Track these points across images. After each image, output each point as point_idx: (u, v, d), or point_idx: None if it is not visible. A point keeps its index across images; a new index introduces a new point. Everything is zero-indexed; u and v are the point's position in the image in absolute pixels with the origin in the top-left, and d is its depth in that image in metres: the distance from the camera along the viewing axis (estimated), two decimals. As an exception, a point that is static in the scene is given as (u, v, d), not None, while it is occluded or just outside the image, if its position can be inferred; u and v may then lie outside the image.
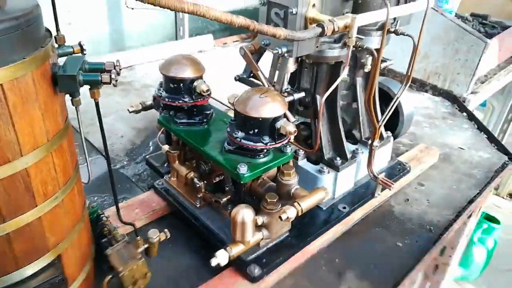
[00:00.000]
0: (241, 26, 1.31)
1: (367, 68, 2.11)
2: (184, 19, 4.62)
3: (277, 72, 1.94)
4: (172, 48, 4.21)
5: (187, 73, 1.98)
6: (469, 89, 3.62)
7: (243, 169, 1.71)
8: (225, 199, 1.95)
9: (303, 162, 2.16)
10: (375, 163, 2.30)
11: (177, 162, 2.14)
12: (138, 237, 1.65)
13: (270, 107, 1.67)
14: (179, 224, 2.10)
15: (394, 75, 4.12)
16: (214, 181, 2.05)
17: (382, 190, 2.23)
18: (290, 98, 1.91)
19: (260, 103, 1.68)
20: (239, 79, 2.11)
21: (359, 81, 2.27)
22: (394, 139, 2.64)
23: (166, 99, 2.02)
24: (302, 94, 1.96)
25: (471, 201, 2.36)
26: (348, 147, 2.29)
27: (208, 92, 1.99)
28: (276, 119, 1.68)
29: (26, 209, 1.23)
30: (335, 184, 2.13)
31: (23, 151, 1.17)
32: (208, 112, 2.09)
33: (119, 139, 2.83)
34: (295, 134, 1.70)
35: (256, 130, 1.71)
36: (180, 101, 2.01)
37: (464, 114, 3.47)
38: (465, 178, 2.62)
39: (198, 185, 2.02)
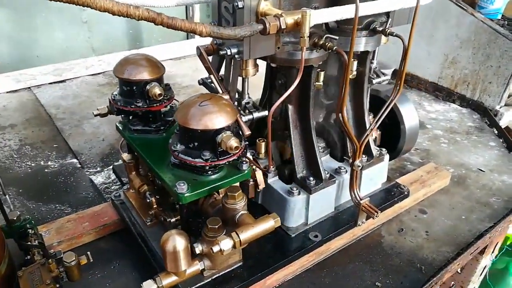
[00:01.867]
0: (143, 19, 1.07)
1: (352, 74, 1.81)
2: (195, 15, 4.50)
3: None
4: (185, 45, 4.10)
5: (141, 74, 1.77)
6: (502, 101, 3.14)
7: (181, 188, 1.47)
8: (174, 219, 1.71)
9: (273, 180, 1.88)
10: (361, 184, 1.98)
11: (133, 173, 1.94)
12: (50, 260, 1.46)
13: (211, 117, 1.42)
14: (131, 241, 1.89)
15: (418, 82, 3.71)
16: (171, 198, 1.83)
17: (368, 218, 1.90)
18: (248, 117, 1.64)
19: (199, 113, 1.43)
20: (202, 83, 1.87)
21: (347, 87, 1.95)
22: (395, 156, 2.29)
23: (119, 103, 1.83)
24: (264, 113, 1.68)
25: (480, 236, 1.97)
26: (331, 165, 1.98)
27: (161, 97, 1.77)
28: (217, 132, 1.42)
29: None
30: (307, 208, 1.83)
31: None
32: (169, 119, 1.87)
33: (99, 143, 2.69)
34: (240, 150, 1.44)
35: (196, 144, 1.47)
36: (133, 106, 1.80)
37: (494, 130, 3.01)
38: (478, 207, 2.21)
39: (149, 200, 1.80)
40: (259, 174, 1.80)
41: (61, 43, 4.33)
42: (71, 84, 3.38)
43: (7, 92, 3.17)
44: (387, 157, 2.09)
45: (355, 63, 1.82)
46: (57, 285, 1.43)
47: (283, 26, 1.28)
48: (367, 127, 1.95)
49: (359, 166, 1.81)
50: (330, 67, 1.95)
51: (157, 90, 1.75)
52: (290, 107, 1.79)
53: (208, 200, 1.65)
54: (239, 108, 1.71)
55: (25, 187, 2.28)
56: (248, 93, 1.70)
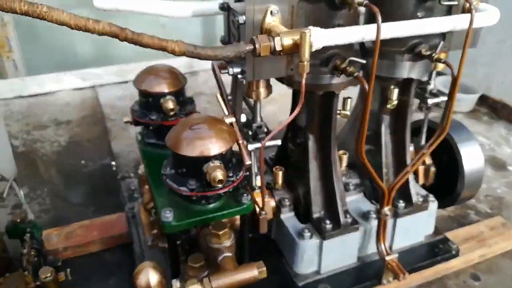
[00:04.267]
0: (104, 34, 0.95)
1: (391, 104, 1.52)
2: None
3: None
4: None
5: (158, 87, 1.68)
6: None
7: (167, 215, 1.33)
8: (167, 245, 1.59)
9: (287, 216, 1.66)
10: (394, 235, 1.67)
11: (146, 187, 1.86)
12: (26, 272, 1.42)
13: (199, 143, 1.26)
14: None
15: (509, 112, 3.14)
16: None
17: (395, 277, 1.58)
18: (255, 145, 1.43)
19: (188, 136, 1.28)
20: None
21: (386, 120, 1.66)
22: (453, 202, 1.91)
23: (136, 114, 1.76)
24: (276, 142, 1.46)
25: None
26: (361, 206, 1.70)
27: (174, 112, 1.66)
28: (205, 160, 1.26)
29: None
30: (320, 255, 1.58)
31: None
32: (185, 135, 1.76)
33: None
34: (224, 184, 1.26)
35: (183, 170, 1.32)
36: (147, 119, 1.72)
37: None
38: (553, 283, 1.74)
39: (152, 219, 1.71)
40: (269, 206, 1.61)
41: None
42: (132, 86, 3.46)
43: (74, 89, 3.36)
44: (434, 205, 1.73)
45: (396, 91, 1.52)
46: (32, 300, 1.38)
47: (278, 48, 1.07)
48: (407, 164, 1.63)
49: (387, 215, 1.51)
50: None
51: (169, 105, 1.64)
52: (310, 136, 1.55)
53: (205, 229, 1.50)
54: (250, 133, 1.52)
55: (61, 184, 2.35)
56: (261, 117, 1.51)
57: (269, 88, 1.43)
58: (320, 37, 1.09)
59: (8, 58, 3.34)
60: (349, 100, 1.46)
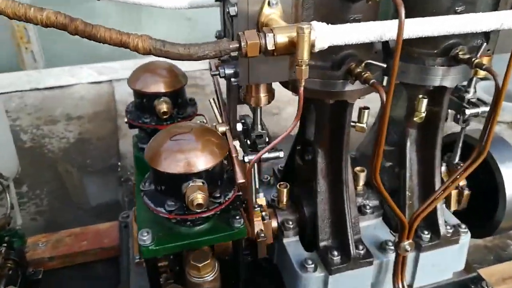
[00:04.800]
0: (49, 25, 0.77)
1: (419, 117, 1.28)
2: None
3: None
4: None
5: (153, 87, 1.51)
6: None
7: (143, 238, 1.15)
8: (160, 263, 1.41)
9: (290, 241, 1.44)
10: (416, 271, 1.42)
11: (139, 195, 1.70)
12: None
13: (179, 157, 1.07)
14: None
15: None
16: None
17: (414, 321, 1.33)
18: (249, 158, 1.21)
19: (167, 149, 1.09)
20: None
21: (412, 134, 1.41)
22: (491, 231, 1.63)
23: (129, 116, 1.60)
24: (277, 154, 1.24)
25: None
26: (379, 234, 1.46)
27: (167, 116, 1.48)
28: (184, 178, 1.07)
29: None
30: (325, 290, 1.35)
31: None
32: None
33: (148, 148, 2.54)
34: (208, 207, 1.06)
35: (163, 187, 1.13)
36: (140, 121, 1.55)
37: None
38: None
39: (141, 233, 1.54)
40: (268, 227, 1.40)
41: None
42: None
43: (90, 83, 3.26)
44: (466, 237, 1.46)
45: (424, 102, 1.27)
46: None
47: (269, 47, 0.85)
48: (436, 189, 1.36)
49: (406, 251, 1.26)
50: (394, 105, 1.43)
51: (163, 107, 1.47)
52: (319, 151, 1.32)
53: (191, 253, 1.31)
54: (248, 142, 1.32)
55: (62, 185, 2.23)
56: (262, 124, 1.30)
57: (270, 93, 1.22)
58: (324, 35, 0.87)
59: (26, 50, 3.29)
60: (366, 111, 1.22)
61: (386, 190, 1.49)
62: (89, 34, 0.78)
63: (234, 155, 1.20)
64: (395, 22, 0.89)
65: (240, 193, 1.23)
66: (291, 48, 0.86)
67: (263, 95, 1.20)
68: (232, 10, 0.98)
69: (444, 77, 1.21)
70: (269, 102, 1.23)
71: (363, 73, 1.04)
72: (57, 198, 2.14)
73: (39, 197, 2.15)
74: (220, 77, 1.11)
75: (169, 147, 1.09)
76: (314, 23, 0.88)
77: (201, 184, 1.06)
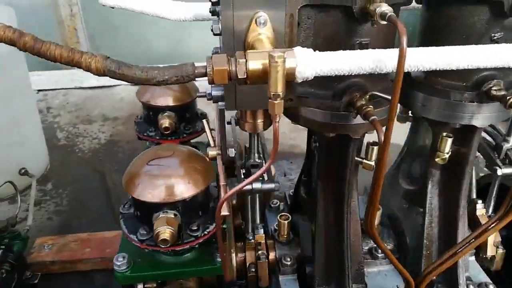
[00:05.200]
0: (-5, 39, 0.71)
1: (441, 158, 1.10)
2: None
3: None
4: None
5: (158, 100, 1.46)
6: None
7: (118, 263, 1.09)
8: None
9: (286, 279, 1.30)
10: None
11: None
12: None
13: (151, 184, 0.98)
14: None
15: None
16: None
17: None
18: (238, 187, 1.09)
19: (142, 173, 1.01)
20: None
21: (435, 175, 1.21)
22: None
23: (136, 128, 1.55)
24: (271, 185, 1.12)
25: None
26: (389, 285, 1.28)
27: (169, 131, 1.41)
28: (155, 208, 0.98)
29: None
30: None
31: None
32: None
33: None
34: (181, 240, 0.96)
35: (138, 213, 1.06)
36: (145, 134, 1.50)
37: None
38: None
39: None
40: (263, 267, 1.28)
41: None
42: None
43: (132, 85, 3.31)
44: (494, 300, 1.24)
45: (449, 142, 1.08)
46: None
47: (240, 75, 0.73)
48: (458, 241, 1.16)
49: (413, 313, 1.08)
50: (415, 135, 1.26)
51: (165, 122, 1.41)
52: (320, 186, 1.18)
53: (172, 285, 1.22)
54: (242, 171, 1.21)
55: (84, 187, 2.25)
56: (258, 152, 1.18)
57: (268, 119, 1.10)
58: (308, 63, 0.74)
59: (75, 49, 3.41)
60: (375, 148, 1.06)
61: (405, 236, 1.34)
62: (38, 51, 0.71)
63: (221, 183, 1.09)
64: (394, 52, 0.74)
65: (225, 226, 1.13)
66: (267, 77, 0.74)
67: (259, 121, 1.08)
68: (216, 28, 0.88)
69: (474, 115, 1.02)
70: (266, 128, 1.11)
71: (364, 107, 0.89)
72: (77, 200, 2.15)
73: (60, 196, 2.18)
74: (207, 99, 1.01)
75: (145, 172, 1.01)
76: (297, 48, 0.76)
77: (172, 216, 0.97)
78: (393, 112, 0.78)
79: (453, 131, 1.09)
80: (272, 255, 1.34)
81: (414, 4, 1.03)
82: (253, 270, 1.27)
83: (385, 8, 0.77)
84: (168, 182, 0.98)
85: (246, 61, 0.74)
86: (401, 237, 1.36)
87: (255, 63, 0.74)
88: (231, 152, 1.15)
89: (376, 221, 1.32)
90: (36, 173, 2.21)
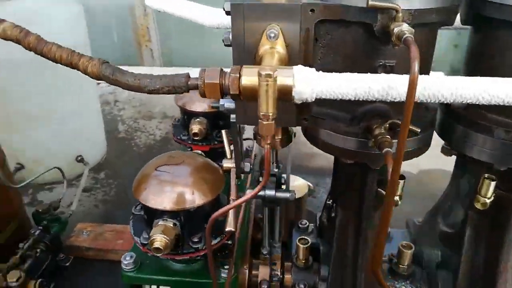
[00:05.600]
0: (4, 38, 0.75)
1: (481, 203, 0.97)
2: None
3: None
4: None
5: (193, 105, 1.46)
6: None
7: (125, 262, 1.11)
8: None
9: (297, 306, 1.23)
10: None
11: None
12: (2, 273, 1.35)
13: (155, 191, 0.98)
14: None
15: None
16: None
17: None
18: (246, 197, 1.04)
19: (148, 178, 1.01)
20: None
21: (474, 219, 1.06)
22: None
23: (173, 130, 1.58)
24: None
25: None
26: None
27: (199, 137, 1.40)
28: (158, 214, 0.97)
29: None
30: None
31: None
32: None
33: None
34: (160, 253, 0.94)
35: (145, 216, 1.06)
36: (178, 138, 1.52)
37: None
38: None
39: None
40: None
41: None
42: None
43: (195, 86, 3.40)
44: None
45: (492, 186, 0.93)
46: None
47: (232, 90, 0.69)
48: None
49: None
50: (458, 171, 1.12)
51: (195, 127, 1.41)
52: (340, 213, 1.09)
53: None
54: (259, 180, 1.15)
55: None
56: (277, 161, 1.13)
57: (286, 135, 1.04)
58: (307, 83, 0.68)
59: (146, 47, 3.60)
60: (401, 182, 0.95)
61: (438, 282, 1.19)
62: (41, 52, 0.74)
63: (232, 197, 1.06)
64: (405, 78, 0.65)
65: (230, 242, 1.09)
66: (251, 93, 0.69)
67: (277, 138, 1.03)
68: (227, 39, 0.85)
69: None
70: (283, 146, 1.05)
71: (380, 136, 0.80)
72: (124, 192, 2.25)
73: (110, 186, 2.30)
74: (219, 110, 0.98)
75: (152, 177, 1.01)
76: (297, 67, 0.70)
77: (171, 226, 0.95)
78: (401, 146, 0.68)
79: (497, 173, 0.94)
80: (287, 279, 1.29)
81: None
82: (265, 287, 1.22)
83: (405, 28, 0.68)
84: (172, 190, 0.97)
85: (239, 76, 0.69)
86: (433, 281, 1.22)
87: (249, 80, 0.69)
88: (247, 167, 1.11)
89: (408, 261, 1.20)
90: (91, 162, 2.37)
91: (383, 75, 0.70)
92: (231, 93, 0.70)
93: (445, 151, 1.20)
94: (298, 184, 1.63)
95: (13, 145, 2.16)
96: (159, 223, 0.95)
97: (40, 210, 1.64)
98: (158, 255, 0.93)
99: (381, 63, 0.82)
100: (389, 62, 0.82)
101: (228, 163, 1.10)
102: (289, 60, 0.82)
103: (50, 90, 2.10)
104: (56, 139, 2.22)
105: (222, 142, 1.47)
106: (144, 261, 1.15)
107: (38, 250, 1.55)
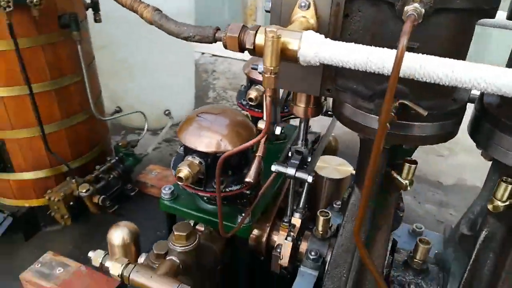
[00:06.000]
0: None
1: (494, 205, 0.96)
2: None
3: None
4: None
5: (256, 73, 1.58)
6: None
7: (164, 192, 1.31)
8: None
9: (305, 272, 1.31)
10: None
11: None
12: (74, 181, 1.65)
13: (190, 131, 1.14)
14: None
15: None
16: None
17: None
18: (277, 167, 1.14)
19: (189, 121, 1.17)
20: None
21: (490, 226, 1.02)
22: None
23: (236, 95, 1.73)
24: (304, 176, 1.13)
25: None
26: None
27: (253, 102, 1.53)
28: (189, 151, 1.13)
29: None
30: None
31: None
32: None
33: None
34: (181, 182, 1.09)
35: (183, 154, 1.23)
36: (239, 102, 1.67)
37: None
38: None
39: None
40: (287, 248, 1.32)
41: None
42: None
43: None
44: None
45: (509, 188, 0.90)
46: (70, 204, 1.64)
47: (248, 45, 0.80)
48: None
49: None
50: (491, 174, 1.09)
51: (252, 93, 1.54)
52: (354, 189, 1.13)
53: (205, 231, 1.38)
54: (289, 156, 1.23)
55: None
56: (305, 139, 1.20)
57: (314, 108, 1.11)
58: (310, 47, 0.76)
59: (251, 26, 3.79)
60: (411, 166, 0.98)
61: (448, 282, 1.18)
62: (112, -6, 0.92)
63: (258, 154, 1.17)
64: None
65: (248, 192, 1.21)
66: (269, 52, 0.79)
67: (301, 107, 1.11)
68: (267, 5, 0.95)
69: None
70: (313, 116, 1.13)
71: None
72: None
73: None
74: (259, 73, 1.09)
75: (192, 121, 1.16)
76: (307, 32, 0.78)
77: (196, 163, 1.10)
78: (385, 119, 0.73)
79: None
80: (303, 245, 1.37)
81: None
82: (278, 251, 1.32)
83: (414, 6, 0.71)
84: (205, 134, 1.12)
85: (256, 33, 0.80)
86: (446, 281, 1.20)
87: (262, 37, 0.79)
88: (277, 130, 1.20)
89: (422, 256, 1.20)
90: (176, 118, 2.65)
91: (384, 49, 0.74)
92: (247, 47, 0.81)
93: (484, 154, 1.15)
94: (343, 168, 1.66)
95: (115, 91, 2.54)
96: (188, 158, 1.11)
97: (120, 144, 1.94)
98: (180, 183, 1.09)
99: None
100: (412, 44, 0.85)
101: (262, 124, 1.21)
102: (318, 31, 0.90)
103: (149, 47, 2.40)
104: (149, 91, 2.54)
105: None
106: (181, 195, 1.33)
107: (111, 175, 1.84)
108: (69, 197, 1.64)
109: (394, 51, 0.72)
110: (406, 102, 0.86)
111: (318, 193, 1.76)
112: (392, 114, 0.84)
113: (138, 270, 1.10)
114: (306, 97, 1.10)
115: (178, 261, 1.16)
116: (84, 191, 1.64)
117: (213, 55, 3.71)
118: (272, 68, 0.76)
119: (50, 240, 1.77)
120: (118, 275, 1.10)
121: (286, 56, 0.78)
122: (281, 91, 1.31)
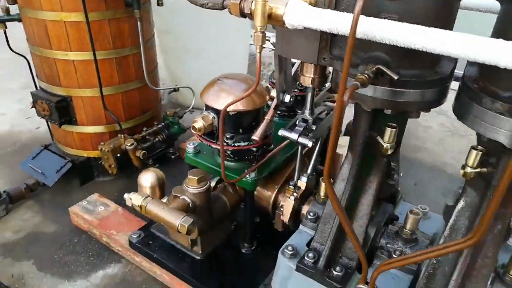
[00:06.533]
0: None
1: (465, 171, 1.05)
2: None
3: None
4: None
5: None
6: None
7: (189, 146, 1.53)
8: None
9: (303, 230, 1.43)
10: None
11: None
12: (123, 138, 1.92)
13: (210, 91, 1.33)
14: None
15: None
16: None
17: None
18: (285, 133, 1.30)
19: (211, 83, 1.37)
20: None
21: (469, 195, 1.08)
22: None
23: (270, 75, 1.90)
24: (307, 141, 1.28)
25: None
26: None
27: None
28: (207, 108, 1.32)
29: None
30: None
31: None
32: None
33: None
34: (195, 131, 1.28)
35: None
36: (271, 80, 1.83)
37: None
38: None
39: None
40: (289, 205, 1.46)
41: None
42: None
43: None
44: None
45: (474, 154, 0.97)
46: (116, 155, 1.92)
47: (246, 10, 0.96)
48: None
49: (359, 292, 1.08)
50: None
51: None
52: (348, 155, 1.25)
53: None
54: (296, 123, 1.36)
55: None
56: (311, 109, 1.34)
57: (320, 78, 1.25)
58: (292, 12, 0.91)
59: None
60: (392, 130, 1.08)
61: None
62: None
63: (266, 117, 1.33)
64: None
65: (255, 149, 1.37)
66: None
67: (307, 76, 1.24)
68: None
69: (500, 130, 0.90)
70: (317, 85, 1.26)
71: (360, 76, 0.96)
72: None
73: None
74: (271, 43, 1.25)
75: (213, 83, 1.35)
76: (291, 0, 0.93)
77: (210, 117, 1.29)
78: (344, 80, 0.85)
79: (482, 143, 0.97)
80: (305, 208, 1.50)
81: None
82: (282, 209, 1.47)
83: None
84: (220, 94, 1.30)
85: (253, 1, 0.96)
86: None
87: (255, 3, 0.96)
88: (286, 98, 1.34)
89: (411, 226, 1.29)
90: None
91: (348, 14, 0.87)
92: (245, 12, 0.98)
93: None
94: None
95: (175, 72, 2.83)
96: (204, 113, 1.30)
97: (167, 113, 2.20)
98: (194, 132, 1.29)
99: (383, 16, 0.96)
100: (392, 16, 0.96)
101: (274, 93, 1.36)
102: (315, 4, 1.04)
103: (207, 35, 2.65)
104: (204, 75, 2.78)
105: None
106: (203, 151, 1.53)
107: (156, 138, 2.10)
108: (117, 149, 1.92)
109: (362, 17, 0.85)
110: (380, 67, 0.97)
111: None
112: (366, 76, 0.96)
113: (154, 203, 1.32)
114: (312, 68, 1.24)
115: (189, 200, 1.36)
116: (129, 144, 1.91)
117: (272, 50, 3.91)
118: (259, 27, 0.93)
119: (100, 188, 2.06)
120: (138, 205, 1.33)
121: (274, 20, 0.94)
122: (293, 67, 1.47)
